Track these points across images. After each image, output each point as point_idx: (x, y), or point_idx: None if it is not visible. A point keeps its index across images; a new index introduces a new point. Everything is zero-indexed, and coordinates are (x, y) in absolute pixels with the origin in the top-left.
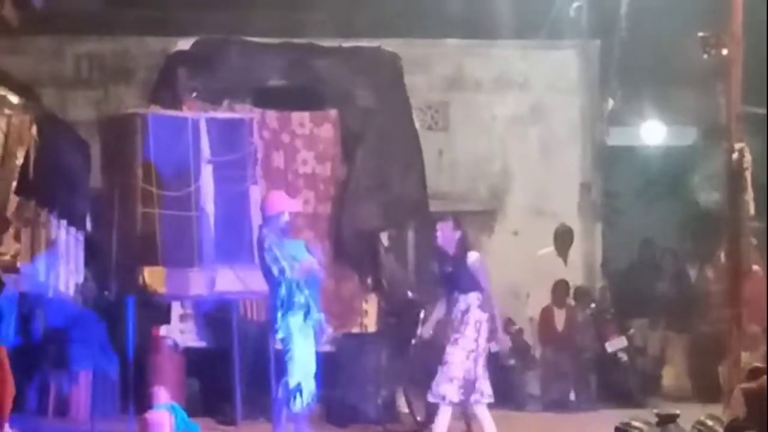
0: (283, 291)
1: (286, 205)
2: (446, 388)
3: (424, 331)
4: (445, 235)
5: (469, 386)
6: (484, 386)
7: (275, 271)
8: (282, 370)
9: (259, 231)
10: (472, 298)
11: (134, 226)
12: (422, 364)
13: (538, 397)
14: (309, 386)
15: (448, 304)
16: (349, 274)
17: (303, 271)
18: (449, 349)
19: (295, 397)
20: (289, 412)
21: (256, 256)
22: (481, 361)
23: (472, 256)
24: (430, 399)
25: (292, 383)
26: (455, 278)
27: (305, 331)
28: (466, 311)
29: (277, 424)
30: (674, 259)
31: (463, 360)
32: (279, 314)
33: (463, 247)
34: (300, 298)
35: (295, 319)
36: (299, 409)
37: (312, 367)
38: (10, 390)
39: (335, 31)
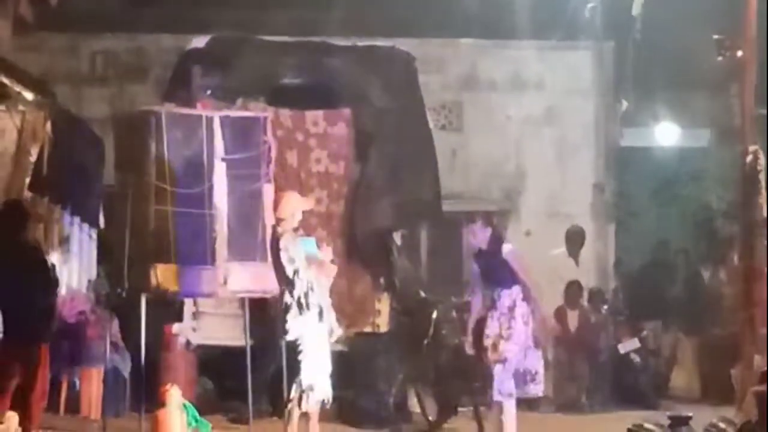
0: (296, 291)
1: (299, 205)
2: (511, 385)
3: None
4: (477, 235)
5: (519, 378)
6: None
7: (289, 271)
8: (295, 369)
9: (273, 231)
10: (516, 292)
11: (147, 224)
12: (435, 364)
13: (550, 399)
14: (323, 386)
15: (487, 300)
16: (362, 274)
17: (317, 270)
18: (505, 346)
19: (307, 397)
20: (301, 412)
21: (269, 256)
22: (532, 352)
23: (506, 248)
24: (497, 398)
25: (305, 383)
26: (494, 274)
27: (318, 331)
28: (513, 307)
29: (289, 423)
30: (687, 261)
31: (516, 353)
32: (291, 314)
33: (496, 241)
34: (313, 298)
35: (308, 319)
36: (312, 409)
37: (325, 367)
38: (46, 390)
39: (350, 30)
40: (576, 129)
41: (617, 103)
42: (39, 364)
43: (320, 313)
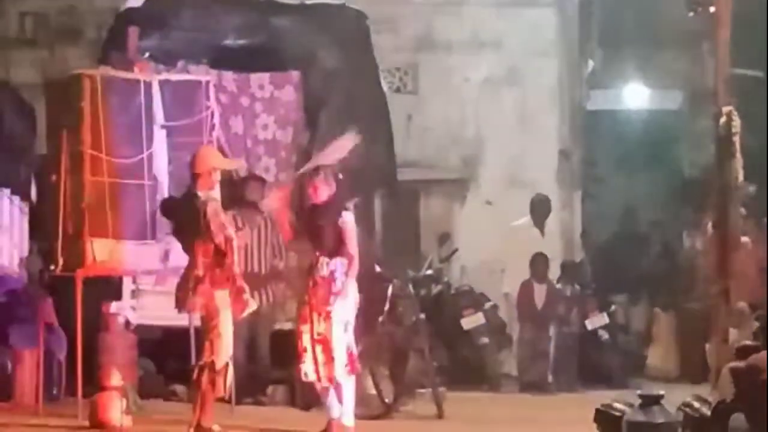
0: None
1: (218, 163)
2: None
3: None
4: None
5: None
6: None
7: (219, 238)
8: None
9: (187, 191)
10: (336, 264)
11: (82, 196)
12: (391, 343)
13: (514, 378)
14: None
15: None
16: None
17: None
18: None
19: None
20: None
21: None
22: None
23: (346, 216)
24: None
25: (219, 364)
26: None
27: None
28: (331, 278)
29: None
30: (658, 231)
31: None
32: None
33: (338, 203)
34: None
35: (224, 293)
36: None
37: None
38: None
39: None
40: (539, 91)
41: (583, 64)
42: None
43: None
